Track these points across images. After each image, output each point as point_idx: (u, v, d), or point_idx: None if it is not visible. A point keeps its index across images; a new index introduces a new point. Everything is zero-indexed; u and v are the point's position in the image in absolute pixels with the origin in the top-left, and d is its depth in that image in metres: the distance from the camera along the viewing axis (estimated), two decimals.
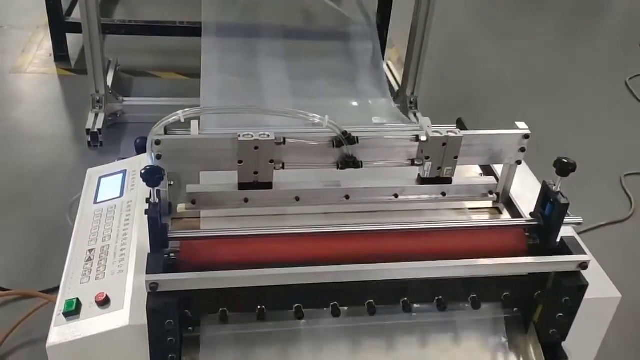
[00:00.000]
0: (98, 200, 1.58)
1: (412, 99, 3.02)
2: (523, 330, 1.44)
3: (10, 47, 3.44)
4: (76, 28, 3.17)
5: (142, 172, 1.25)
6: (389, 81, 3.36)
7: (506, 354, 1.44)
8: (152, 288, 1.20)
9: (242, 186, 1.45)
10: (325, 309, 1.31)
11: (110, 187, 1.61)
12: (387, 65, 3.54)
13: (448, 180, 1.53)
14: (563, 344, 1.41)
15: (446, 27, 3.83)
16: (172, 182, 1.50)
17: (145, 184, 1.26)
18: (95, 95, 2.69)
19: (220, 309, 1.26)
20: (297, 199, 1.48)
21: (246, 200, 1.46)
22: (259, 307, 1.28)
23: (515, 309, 1.45)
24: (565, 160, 1.37)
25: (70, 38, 3.35)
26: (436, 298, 1.33)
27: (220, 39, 3.06)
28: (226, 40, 3.08)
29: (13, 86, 3.14)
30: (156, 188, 1.27)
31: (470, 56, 3.83)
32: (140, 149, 1.70)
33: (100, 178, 1.66)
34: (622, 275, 2.03)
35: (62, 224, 2.16)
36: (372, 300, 1.29)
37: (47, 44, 3.42)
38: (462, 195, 1.57)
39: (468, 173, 1.69)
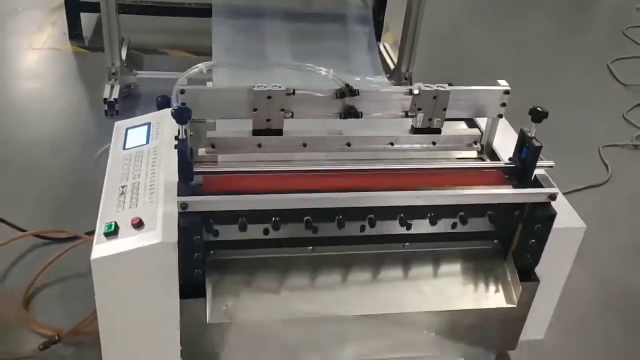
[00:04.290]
0: (126, 147, 1.76)
1: (407, 75, 3.23)
2: (502, 259, 1.65)
3: (26, 27, 3.61)
4: (90, 7, 3.37)
5: (173, 110, 1.44)
6: (385, 61, 3.57)
7: (487, 279, 1.65)
8: (183, 208, 1.39)
9: (256, 132, 1.65)
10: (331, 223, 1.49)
11: (136, 136, 1.79)
12: (384, 46, 3.74)
13: (438, 131, 1.74)
14: (536, 269, 1.62)
15: (440, 14, 4.03)
16: (192, 133, 1.69)
17: (175, 121, 1.45)
18: (111, 68, 2.88)
19: (240, 219, 1.44)
20: (305, 145, 1.68)
21: (259, 145, 1.66)
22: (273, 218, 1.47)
23: (495, 241, 1.66)
24: (540, 109, 1.57)
25: (84, 17, 3.53)
26: (429, 214, 1.52)
27: (228, 19, 3.25)
28: (233, 21, 3.27)
29: (31, 61, 3.32)
30: (184, 127, 1.46)
31: (462, 42, 4.03)
32: (162, 106, 1.89)
33: (127, 129, 1.84)
34: (596, 230, 2.27)
35: (84, 182, 2.36)
36: (372, 215, 1.48)
37: (61, 24, 3.59)
38: (450, 145, 1.77)
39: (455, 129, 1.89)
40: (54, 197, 2.36)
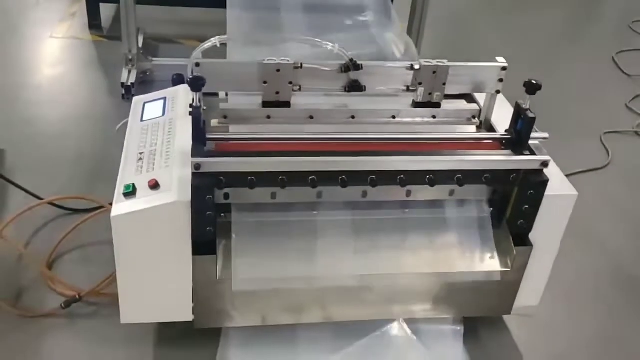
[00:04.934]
0: (144, 119, 1.87)
1: None
2: (497, 227, 1.73)
3: (47, 18, 3.76)
4: None
5: (189, 79, 1.55)
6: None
7: (483, 246, 1.73)
8: (197, 168, 1.49)
9: (266, 105, 1.75)
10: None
11: (153, 109, 1.90)
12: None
13: (437, 105, 1.82)
14: (530, 236, 1.70)
15: (447, 3, 4.12)
16: (205, 107, 1.80)
17: (190, 89, 1.55)
18: (128, 54, 3.00)
19: (249, 178, 1.53)
20: (311, 117, 1.78)
21: (269, 117, 1.76)
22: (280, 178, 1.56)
23: (491, 209, 1.74)
24: (534, 82, 1.65)
25: (102, 8, 3.67)
26: (427, 176, 1.59)
27: (244, 10, 3.34)
28: (248, 12, 3.36)
29: (54, 49, 3.47)
30: (198, 95, 1.57)
31: (468, 30, 4.11)
32: (177, 82, 2.00)
33: (144, 103, 1.96)
34: (595, 207, 2.34)
35: (103, 157, 2.49)
36: (374, 176, 1.57)
37: (81, 15, 3.74)
38: (450, 119, 1.86)
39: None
40: (74, 170, 2.48)
